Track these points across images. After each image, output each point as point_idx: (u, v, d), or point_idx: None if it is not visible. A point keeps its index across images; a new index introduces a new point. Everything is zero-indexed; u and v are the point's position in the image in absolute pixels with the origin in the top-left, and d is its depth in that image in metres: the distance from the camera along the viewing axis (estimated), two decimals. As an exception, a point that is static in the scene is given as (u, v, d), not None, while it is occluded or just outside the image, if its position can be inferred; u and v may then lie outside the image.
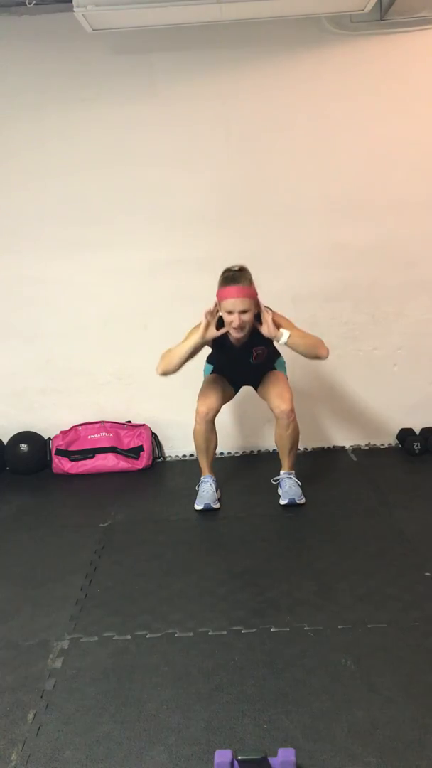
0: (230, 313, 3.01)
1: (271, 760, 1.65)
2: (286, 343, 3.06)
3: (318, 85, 3.63)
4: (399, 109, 3.66)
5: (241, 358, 3.22)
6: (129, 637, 2.29)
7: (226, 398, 3.37)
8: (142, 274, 3.85)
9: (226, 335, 3.13)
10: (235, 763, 1.65)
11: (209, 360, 3.41)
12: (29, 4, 3.29)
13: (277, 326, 3.05)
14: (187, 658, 2.16)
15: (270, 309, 3.10)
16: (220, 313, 3.07)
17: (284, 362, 3.42)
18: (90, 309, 3.92)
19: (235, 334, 3.08)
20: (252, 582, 2.59)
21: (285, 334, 3.04)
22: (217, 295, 3.05)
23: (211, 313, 3.07)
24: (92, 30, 3.27)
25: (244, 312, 2.99)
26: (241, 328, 3.02)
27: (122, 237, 3.78)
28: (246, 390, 3.64)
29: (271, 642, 2.21)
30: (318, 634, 2.24)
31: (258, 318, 3.07)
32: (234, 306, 2.99)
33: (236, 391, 3.45)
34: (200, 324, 3.05)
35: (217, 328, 3.08)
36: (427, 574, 2.57)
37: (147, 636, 2.29)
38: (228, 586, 2.57)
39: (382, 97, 3.64)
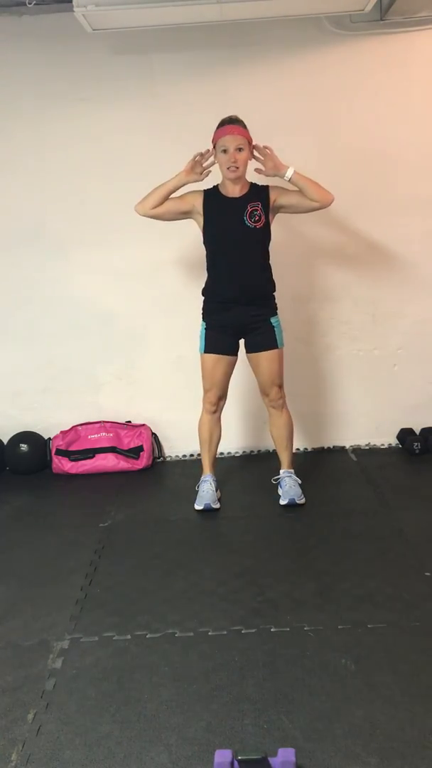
0: (225, 152, 3.03)
1: (271, 760, 1.65)
2: (290, 179, 3.07)
3: (318, 85, 3.63)
4: (399, 109, 3.66)
5: (235, 215, 3.11)
6: (129, 637, 2.29)
7: (230, 372, 3.28)
8: (142, 274, 3.85)
9: (218, 191, 3.14)
10: (235, 763, 1.65)
11: (204, 313, 3.26)
12: (29, 4, 3.29)
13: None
14: (187, 658, 2.16)
15: (259, 144, 3.12)
16: (215, 160, 3.10)
17: (279, 321, 3.24)
18: (90, 309, 3.92)
19: (230, 175, 3.07)
20: (252, 582, 2.59)
21: (290, 168, 3.06)
22: (212, 140, 3.09)
23: (201, 154, 3.10)
24: (92, 30, 3.27)
25: (239, 150, 3.02)
26: (236, 166, 3.03)
27: (122, 237, 3.78)
28: (246, 390, 3.65)
29: (271, 642, 2.21)
30: (318, 634, 2.24)
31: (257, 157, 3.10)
32: (230, 143, 3.01)
33: (235, 352, 3.26)
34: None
35: (209, 194, 3.12)
36: (427, 574, 2.57)
37: (147, 636, 2.29)
38: (228, 586, 2.57)
39: (382, 97, 3.64)
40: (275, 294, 3.26)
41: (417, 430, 3.96)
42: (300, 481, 3.31)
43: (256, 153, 3.14)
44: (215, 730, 1.84)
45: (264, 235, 3.17)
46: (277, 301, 3.25)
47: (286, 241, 3.75)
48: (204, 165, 3.14)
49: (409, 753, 1.72)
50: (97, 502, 3.47)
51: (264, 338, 3.21)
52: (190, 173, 3.12)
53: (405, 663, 2.07)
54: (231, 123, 3.05)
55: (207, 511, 3.23)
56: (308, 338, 3.91)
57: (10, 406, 4.05)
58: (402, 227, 3.78)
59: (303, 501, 3.25)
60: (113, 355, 3.98)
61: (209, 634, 2.28)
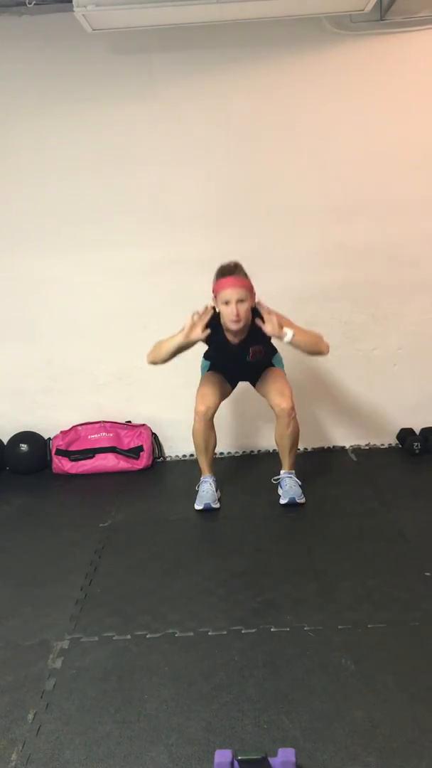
0: (227, 304, 3.01)
1: (271, 760, 1.65)
2: (290, 342, 3.06)
3: (318, 85, 3.63)
4: (399, 109, 3.66)
5: (237, 356, 3.22)
6: (129, 637, 2.29)
7: (224, 395, 3.37)
8: (142, 274, 3.85)
9: (222, 334, 3.13)
10: (235, 763, 1.65)
11: (206, 356, 3.40)
12: (29, 4, 3.29)
13: (280, 326, 3.04)
14: (187, 658, 2.16)
15: (263, 304, 3.09)
16: (217, 309, 3.08)
17: (281, 358, 3.41)
18: (90, 309, 3.92)
19: (232, 327, 3.06)
20: (252, 582, 2.59)
21: (289, 333, 3.03)
22: (213, 290, 3.06)
23: (199, 315, 3.08)
24: (92, 30, 3.27)
25: (241, 302, 2.99)
26: (238, 319, 3.01)
27: (122, 237, 3.78)
28: (245, 389, 3.64)
29: (271, 642, 2.21)
30: (318, 634, 2.24)
31: (256, 315, 3.07)
32: (231, 296, 2.98)
33: (233, 387, 3.45)
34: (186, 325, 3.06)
35: (211, 331, 3.07)
36: (427, 574, 2.57)
37: (147, 636, 2.29)
38: (228, 586, 2.57)
39: (382, 97, 3.64)
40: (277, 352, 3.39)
41: (417, 430, 3.96)
42: (300, 482, 3.31)
43: (259, 309, 3.08)
44: (215, 730, 1.84)
45: (266, 353, 3.30)
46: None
47: (286, 241, 3.76)
48: (204, 321, 3.08)
49: (409, 753, 1.72)
50: (97, 502, 3.47)
51: (265, 367, 3.37)
52: (191, 332, 3.05)
53: (405, 663, 2.07)
54: (231, 274, 3.01)
55: (207, 511, 3.23)
56: (308, 338, 3.91)
57: (10, 406, 4.05)
58: (402, 227, 3.77)
59: (303, 501, 3.25)
60: (113, 355, 3.98)
61: (209, 634, 2.28)
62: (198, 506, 3.26)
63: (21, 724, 1.92)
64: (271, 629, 2.28)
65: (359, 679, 2.01)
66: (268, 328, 3.04)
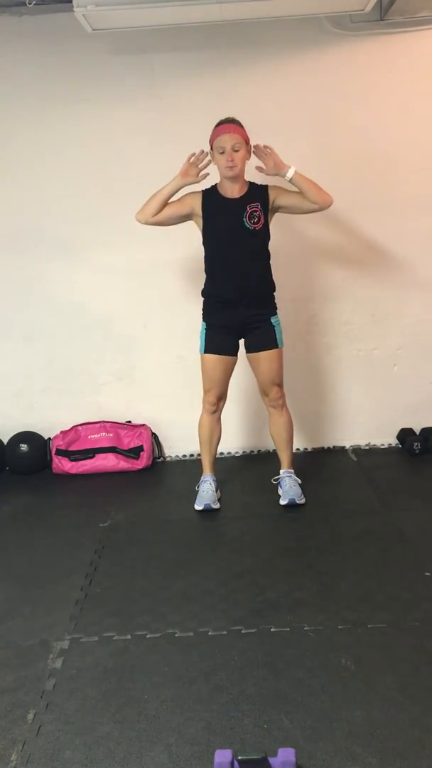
0: (222, 153, 3.02)
1: (271, 760, 1.65)
2: (291, 179, 3.06)
3: (318, 85, 3.63)
4: (399, 109, 3.66)
5: (235, 217, 3.11)
6: (129, 637, 2.29)
7: (230, 373, 3.28)
8: (142, 274, 3.85)
9: (217, 192, 3.12)
10: (235, 763, 1.65)
11: (205, 313, 3.27)
12: (29, 4, 3.29)
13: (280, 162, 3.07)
14: (187, 658, 2.16)
15: (260, 145, 3.12)
16: (211, 160, 3.09)
17: (279, 321, 3.25)
18: (90, 309, 3.92)
19: (228, 173, 3.05)
20: (252, 582, 2.59)
21: (291, 168, 3.05)
22: (209, 140, 3.08)
23: (195, 156, 3.09)
24: (92, 30, 3.27)
25: (236, 150, 3.00)
26: (233, 164, 3.01)
27: (122, 237, 3.78)
28: (246, 390, 3.65)
29: (271, 642, 2.21)
30: (318, 634, 2.24)
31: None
32: (226, 142, 3.00)
33: (236, 351, 3.27)
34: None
35: (208, 195, 3.11)
36: (427, 574, 2.57)
37: (147, 636, 2.29)
38: (228, 586, 2.57)
39: (382, 97, 3.64)
40: (275, 294, 3.25)
41: (417, 430, 3.96)
42: (300, 481, 3.31)
43: (257, 152, 3.13)
44: (215, 730, 1.84)
45: (263, 235, 3.16)
46: (277, 301, 3.25)
47: (286, 241, 3.75)
48: (200, 166, 3.13)
49: (409, 753, 1.73)
50: (97, 502, 3.47)
51: (264, 338, 3.21)
52: (186, 176, 3.11)
53: (405, 663, 2.07)
54: (227, 122, 3.05)
55: (207, 511, 3.23)
56: (308, 338, 3.91)
57: (10, 406, 4.05)
58: (402, 227, 3.77)
59: (303, 501, 3.25)
60: (113, 355, 3.97)
61: (209, 634, 2.28)
62: (198, 506, 3.26)
63: (21, 724, 1.92)
64: (271, 629, 2.28)
65: (359, 679, 2.01)
66: (269, 162, 3.08)
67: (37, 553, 2.97)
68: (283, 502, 3.23)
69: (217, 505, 3.27)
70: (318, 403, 4.00)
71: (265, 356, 3.21)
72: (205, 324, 3.26)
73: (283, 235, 3.77)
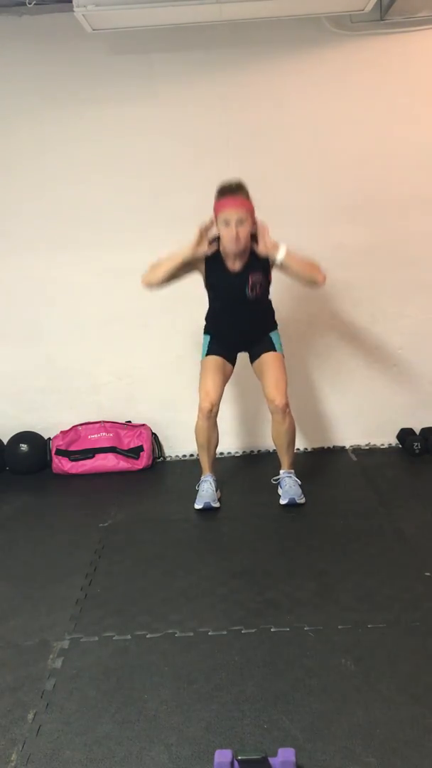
0: (227, 225, 2.96)
1: (271, 760, 1.65)
2: (282, 261, 3.02)
3: (318, 85, 3.63)
4: (399, 109, 3.65)
5: (237, 288, 3.12)
6: (129, 637, 2.29)
7: (226, 380, 3.32)
8: (142, 274, 3.83)
9: (221, 260, 3.10)
10: (235, 763, 1.65)
11: (206, 330, 3.34)
12: (29, 4, 3.29)
13: (273, 244, 3.02)
14: (187, 658, 2.16)
15: (261, 226, 3.05)
16: (216, 231, 3.04)
17: (281, 341, 3.33)
18: (90, 309, 3.92)
19: (231, 249, 3.01)
20: (252, 582, 2.59)
21: (282, 249, 3.01)
22: (213, 209, 3.02)
23: (206, 228, 3.04)
24: (92, 30, 3.27)
25: (241, 223, 2.95)
26: (238, 241, 2.97)
27: (122, 237, 3.78)
28: (245, 390, 3.65)
29: (271, 642, 2.21)
30: (318, 634, 2.24)
31: (254, 241, 3.05)
32: (231, 216, 2.94)
33: (234, 362, 3.36)
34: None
35: (212, 260, 3.07)
36: (427, 574, 2.57)
37: (147, 636, 2.29)
38: (228, 586, 2.57)
39: (382, 97, 3.64)
40: (275, 317, 3.34)
41: (417, 430, 3.96)
42: (300, 482, 3.31)
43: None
44: (215, 730, 1.84)
45: (264, 293, 3.23)
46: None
47: (286, 241, 3.75)
48: (209, 237, 3.07)
49: (409, 753, 1.72)
50: (97, 502, 3.47)
51: (264, 345, 3.30)
52: (198, 247, 3.04)
53: (405, 663, 2.07)
54: (232, 193, 2.97)
55: (207, 510, 3.23)
56: (308, 338, 3.91)
57: (10, 406, 4.05)
58: (402, 227, 3.77)
59: (303, 501, 3.25)
60: (113, 355, 3.97)
61: (209, 634, 2.28)
62: (198, 505, 3.26)
63: (21, 724, 1.92)
64: (271, 629, 2.28)
65: (359, 679, 2.01)
66: (261, 245, 3.02)
67: (37, 553, 2.97)
68: (283, 501, 3.23)
69: (217, 504, 3.27)
70: (318, 403, 4.00)
71: (268, 357, 3.26)
72: (208, 336, 3.34)
73: (284, 235, 3.76)
